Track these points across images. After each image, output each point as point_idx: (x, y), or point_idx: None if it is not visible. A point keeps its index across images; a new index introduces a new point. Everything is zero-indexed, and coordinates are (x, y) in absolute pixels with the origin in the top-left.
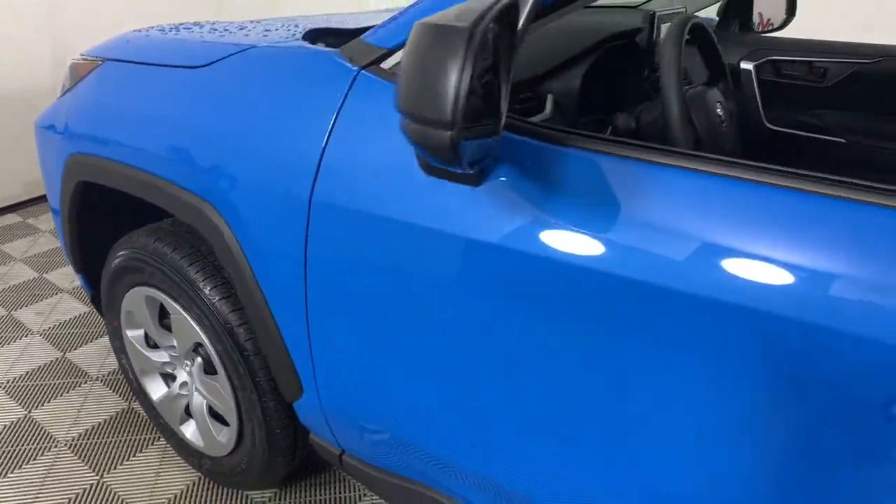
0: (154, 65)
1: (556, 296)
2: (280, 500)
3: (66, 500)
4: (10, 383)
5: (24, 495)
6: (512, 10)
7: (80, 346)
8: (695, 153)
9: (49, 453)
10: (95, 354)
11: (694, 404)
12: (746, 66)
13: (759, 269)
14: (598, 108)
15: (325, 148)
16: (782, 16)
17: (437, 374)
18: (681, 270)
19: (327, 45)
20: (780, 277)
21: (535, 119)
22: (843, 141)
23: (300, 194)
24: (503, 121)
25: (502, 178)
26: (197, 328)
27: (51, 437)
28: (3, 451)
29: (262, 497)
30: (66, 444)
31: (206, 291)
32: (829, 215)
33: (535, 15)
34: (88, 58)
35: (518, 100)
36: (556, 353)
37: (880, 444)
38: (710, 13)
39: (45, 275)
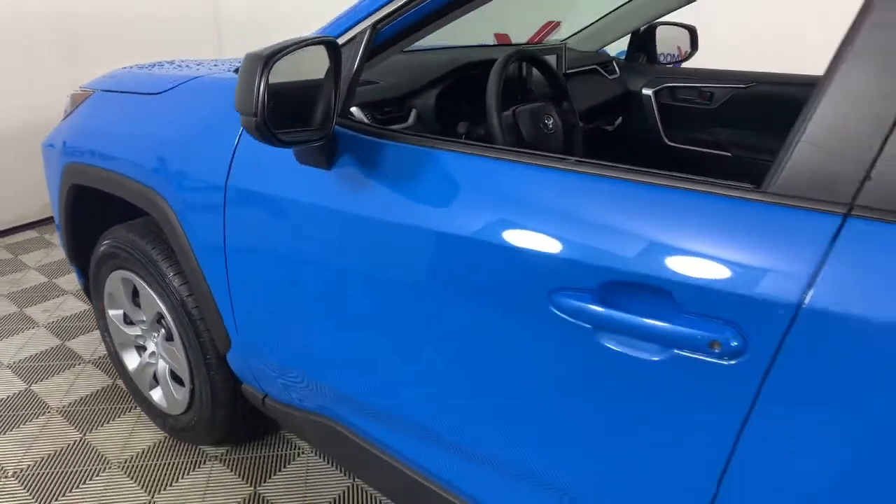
0: (127, 93)
1: (380, 243)
2: (230, 454)
3: (53, 452)
4: (16, 364)
5: (18, 448)
6: (332, 47)
7: (77, 336)
8: (466, 142)
9: (42, 417)
10: (89, 342)
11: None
12: (647, 91)
13: (477, 217)
14: (457, 120)
15: (235, 147)
16: (688, 49)
17: (318, 318)
18: (447, 217)
19: None
20: (483, 221)
21: (398, 127)
22: (728, 154)
23: (219, 182)
24: (333, 122)
25: (346, 164)
26: (158, 301)
27: (45, 405)
28: (4, 414)
29: (216, 452)
30: (57, 411)
31: (164, 270)
32: (510, 173)
33: (369, 56)
34: (84, 89)
35: (383, 112)
36: (384, 288)
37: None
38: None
39: (54, 280)
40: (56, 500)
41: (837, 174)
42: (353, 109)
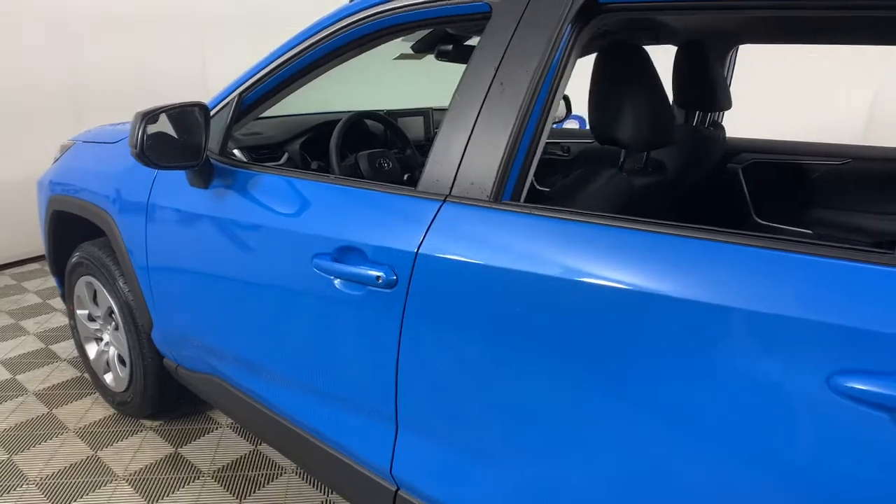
0: (96, 143)
1: (235, 237)
2: (163, 426)
3: (20, 424)
4: (8, 360)
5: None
6: (202, 108)
7: (60, 341)
8: (288, 168)
9: (18, 399)
10: (67, 346)
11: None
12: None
13: (282, 212)
14: (318, 159)
15: (154, 177)
16: (564, 112)
17: (203, 295)
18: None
19: None
20: (284, 214)
21: (270, 164)
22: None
23: (143, 200)
24: (203, 157)
25: (217, 185)
26: (109, 298)
27: (24, 389)
28: None
29: (152, 424)
30: (33, 394)
31: (114, 273)
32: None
33: (238, 117)
34: (69, 141)
35: (259, 153)
36: (237, 269)
37: None
38: None
39: (47, 300)
40: None
41: (442, 176)
42: (236, 151)
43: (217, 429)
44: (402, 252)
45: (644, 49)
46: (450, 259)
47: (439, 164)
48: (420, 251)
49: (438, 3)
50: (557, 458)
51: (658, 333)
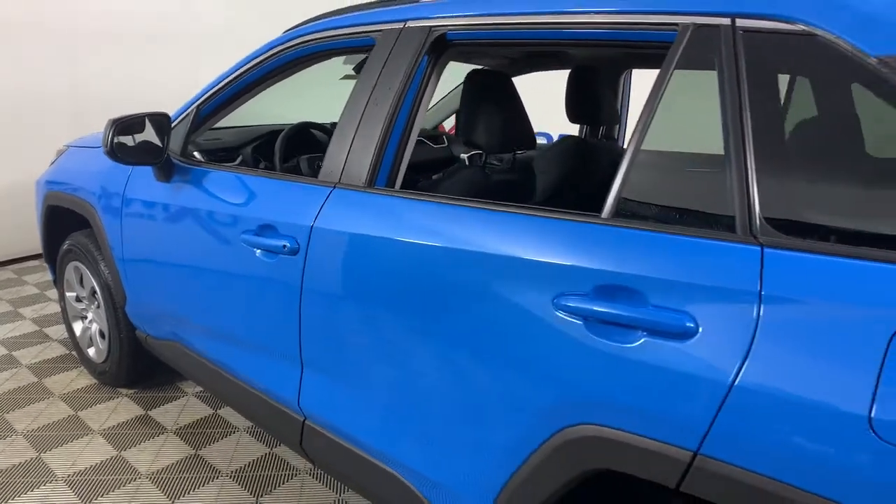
0: (85, 147)
1: (189, 221)
2: (137, 393)
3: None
4: (5, 340)
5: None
6: (165, 117)
7: (52, 325)
8: (235, 166)
9: (13, 370)
10: (59, 330)
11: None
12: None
13: (223, 199)
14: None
15: (129, 174)
16: None
17: (165, 271)
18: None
19: None
20: (226, 200)
21: (229, 164)
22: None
23: (119, 192)
24: (164, 156)
25: (177, 180)
26: (93, 279)
27: (18, 363)
28: None
29: (128, 392)
30: (26, 367)
31: (97, 258)
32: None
33: (197, 125)
34: (64, 146)
35: (216, 156)
36: (190, 247)
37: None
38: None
39: (44, 292)
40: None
41: (334, 169)
42: (196, 154)
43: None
44: (302, 226)
45: (503, 74)
46: (334, 230)
47: (332, 160)
48: (314, 225)
49: (342, 36)
50: (404, 379)
51: (459, 279)
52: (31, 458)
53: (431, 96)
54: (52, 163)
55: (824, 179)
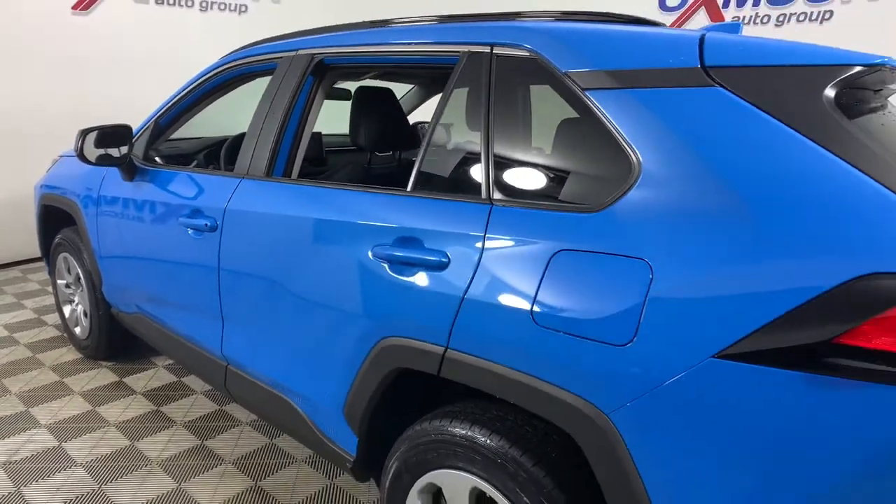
0: (72, 156)
1: (146, 212)
2: (115, 365)
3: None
4: (6, 325)
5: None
6: (126, 129)
7: (49, 314)
8: (182, 167)
9: (11, 348)
10: (55, 317)
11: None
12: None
13: (169, 190)
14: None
15: (104, 176)
16: None
17: (129, 254)
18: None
19: None
20: (171, 191)
21: (183, 166)
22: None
23: (96, 191)
24: (128, 158)
25: (138, 179)
26: (77, 267)
27: (17, 342)
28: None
29: (108, 364)
30: (23, 345)
31: (82, 248)
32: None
33: (157, 134)
34: (58, 156)
35: (175, 160)
36: (146, 233)
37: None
38: None
39: (45, 287)
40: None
41: (244, 163)
42: (157, 158)
43: (153, 367)
44: (219, 209)
45: (386, 89)
46: (239, 210)
47: (243, 157)
48: (227, 207)
49: (256, 62)
50: (280, 322)
51: (310, 240)
52: (21, 411)
53: (319, 107)
54: (48, 169)
55: (519, 160)
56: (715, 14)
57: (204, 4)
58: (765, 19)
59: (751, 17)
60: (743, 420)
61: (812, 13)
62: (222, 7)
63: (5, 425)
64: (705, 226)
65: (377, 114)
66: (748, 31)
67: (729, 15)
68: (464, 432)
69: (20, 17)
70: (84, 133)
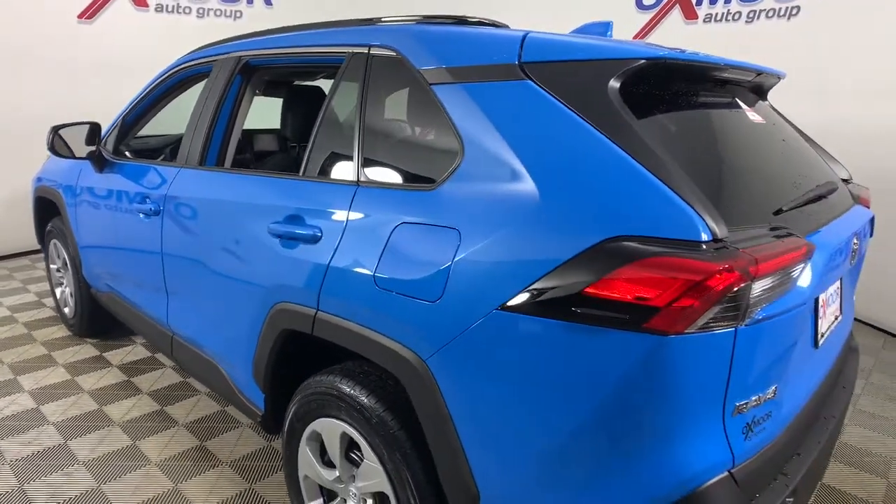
0: None
1: (115, 201)
2: (99, 342)
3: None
4: (10, 306)
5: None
6: (96, 126)
7: (49, 297)
8: (147, 161)
9: (11, 325)
10: (50, 302)
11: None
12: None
13: (136, 182)
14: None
15: (81, 169)
16: None
17: (103, 237)
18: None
19: None
20: (140, 182)
21: (146, 160)
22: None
23: (74, 182)
24: (97, 152)
25: (107, 171)
26: (64, 252)
27: (16, 321)
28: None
29: (91, 340)
30: (21, 323)
31: (67, 235)
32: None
33: (124, 131)
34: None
35: (143, 154)
36: (115, 219)
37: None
38: None
39: None
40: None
41: (183, 155)
42: (127, 152)
43: (131, 345)
44: (161, 195)
45: (314, 87)
46: (175, 195)
47: (182, 149)
48: (167, 193)
49: (198, 64)
50: (203, 292)
51: (220, 219)
52: (10, 379)
53: (249, 104)
54: (43, 164)
55: (383, 147)
56: (689, 12)
57: (201, 11)
58: (736, 16)
59: (723, 13)
60: (522, 363)
61: (780, 9)
62: (218, 13)
63: None
64: (502, 199)
65: (300, 109)
66: (721, 28)
67: (702, 12)
68: (335, 385)
69: (31, 27)
70: (56, 129)
